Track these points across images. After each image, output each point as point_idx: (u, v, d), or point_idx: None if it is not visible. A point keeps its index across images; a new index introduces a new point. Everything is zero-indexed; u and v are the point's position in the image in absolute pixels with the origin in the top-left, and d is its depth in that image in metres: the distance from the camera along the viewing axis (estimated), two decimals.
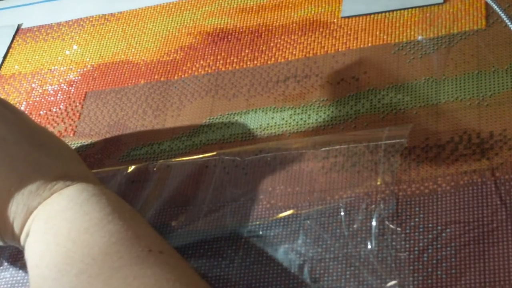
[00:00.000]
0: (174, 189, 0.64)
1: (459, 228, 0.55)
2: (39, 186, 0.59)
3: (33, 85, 0.78)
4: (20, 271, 0.64)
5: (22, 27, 0.84)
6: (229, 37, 0.74)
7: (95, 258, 0.53)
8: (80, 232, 0.55)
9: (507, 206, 0.55)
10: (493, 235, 0.54)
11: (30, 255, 0.57)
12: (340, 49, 0.69)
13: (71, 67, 0.78)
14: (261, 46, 0.72)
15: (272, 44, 0.72)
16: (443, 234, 0.55)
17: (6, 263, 0.64)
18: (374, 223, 0.57)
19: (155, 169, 0.66)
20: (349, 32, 0.70)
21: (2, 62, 0.81)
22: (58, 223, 0.56)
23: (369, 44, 0.69)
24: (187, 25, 0.77)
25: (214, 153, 0.65)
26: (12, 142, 0.60)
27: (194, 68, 0.73)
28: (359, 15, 0.71)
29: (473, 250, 0.54)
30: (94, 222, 0.55)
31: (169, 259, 0.54)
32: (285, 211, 0.60)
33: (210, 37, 0.75)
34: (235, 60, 0.72)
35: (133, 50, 0.77)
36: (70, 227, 0.55)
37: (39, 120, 0.74)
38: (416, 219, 0.57)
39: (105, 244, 0.53)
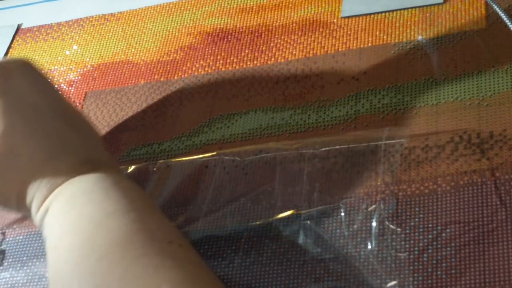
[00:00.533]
0: (174, 189, 0.64)
1: (459, 228, 0.55)
2: (66, 165, 0.59)
3: None
4: (20, 271, 0.64)
5: (22, 27, 0.84)
6: (229, 37, 0.74)
7: (117, 244, 0.53)
8: (103, 216, 0.54)
9: (507, 206, 0.55)
10: (493, 235, 0.54)
11: (49, 235, 0.56)
12: (340, 49, 0.69)
13: (71, 67, 0.78)
14: (261, 46, 0.72)
15: (272, 44, 0.72)
16: (443, 234, 0.55)
17: (6, 263, 0.65)
18: (374, 223, 0.57)
19: (155, 169, 0.66)
20: (349, 32, 0.70)
21: None
22: (81, 204, 0.56)
23: (369, 44, 0.69)
24: (187, 25, 0.77)
25: (214, 153, 0.65)
26: (49, 116, 0.60)
27: (194, 68, 0.73)
28: (359, 15, 0.71)
29: (473, 250, 0.54)
30: (117, 208, 0.55)
31: (188, 253, 0.54)
32: (285, 211, 0.60)
33: (210, 37, 0.75)
34: (235, 60, 0.72)
35: (133, 50, 0.77)
36: (93, 210, 0.55)
37: None
38: (416, 219, 0.57)
39: (127, 231, 0.53)
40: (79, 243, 0.54)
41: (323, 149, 0.62)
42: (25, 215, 0.61)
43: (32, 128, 0.60)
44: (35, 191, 0.59)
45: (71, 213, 0.56)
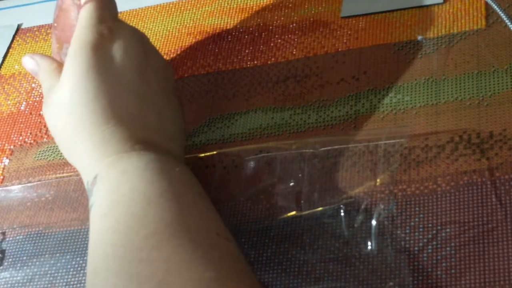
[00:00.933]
0: None
1: (459, 228, 0.55)
2: (127, 136, 0.59)
3: (33, 85, 0.78)
4: (20, 271, 0.64)
5: (22, 27, 0.84)
6: (229, 37, 0.74)
7: (168, 224, 0.53)
8: (156, 194, 0.54)
9: (507, 206, 0.55)
10: (493, 235, 0.54)
11: (98, 202, 0.56)
12: (340, 49, 0.69)
13: None
14: (261, 46, 0.72)
15: (272, 44, 0.72)
16: (443, 234, 0.55)
17: (6, 263, 0.65)
18: (374, 223, 0.57)
19: None
20: (349, 32, 0.70)
21: (2, 62, 0.81)
22: (135, 178, 0.56)
23: (369, 44, 0.69)
24: (187, 25, 0.77)
25: (214, 152, 0.65)
26: (149, 90, 0.62)
27: (194, 68, 0.73)
28: (359, 15, 0.71)
29: (472, 250, 0.54)
30: (170, 190, 0.55)
31: (234, 248, 0.54)
32: (285, 211, 0.60)
33: (210, 37, 0.75)
34: (235, 60, 0.72)
35: None
36: (146, 185, 0.55)
37: (39, 119, 0.74)
38: (416, 219, 0.57)
39: (179, 214, 0.53)
40: (129, 215, 0.54)
41: (323, 149, 0.62)
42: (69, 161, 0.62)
43: (121, 88, 0.61)
44: (85, 147, 0.59)
45: (123, 186, 0.56)
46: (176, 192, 0.55)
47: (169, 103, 0.63)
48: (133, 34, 0.64)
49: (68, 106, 0.60)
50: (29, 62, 0.67)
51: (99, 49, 0.61)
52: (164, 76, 0.64)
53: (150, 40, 0.76)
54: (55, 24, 0.68)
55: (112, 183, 0.57)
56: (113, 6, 0.66)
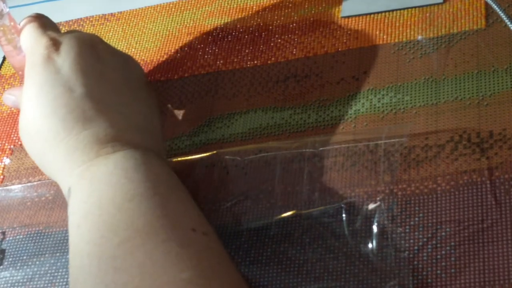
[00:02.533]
0: None
1: (459, 227, 0.55)
2: (89, 144, 0.59)
3: None
4: (20, 270, 0.64)
5: None
6: (229, 37, 0.74)
7: (139, 229, 0.52)
8: (125, 200, 0.54)
9: (507, 205, 0.55)
10: (492, 234, 0.54)
11: (72, 212, 0.56)
12: (340, 49, 0.69)
13: None
14: (261, 46, 0.72)
15: (272, 44, 0.72)
16: (443, 233, 0.55)
17: (6, 263, 0.65)
18: (374, 222, 0.57)
19: None
20: (349, 32, 0.70)
21: (2, 62, 0.81)
22: (103, 186, 0.56)
23: (369, 44, 0.69)
24: (187, 25, 0.77)
25: (214, 152, 0.65)
26: (107, 90, 0.62)
27: (194, 68, 0.73)
28: (359, 15, 0.71)
29: (472, 249, 0.54)
30: (139, 192, 0.55)
31: (212, 242, 0.54)
32: (286, 211, 0.60)
33: (210, 37, 0.75)
34: (235, 60, 0.72)
35: (133, 50, 0.77)
36: (114, 192, 0.55)
37: None
38: (416, 219, 0.57)
39: (150, 216, 0.53)
40: (100, 225, 0.54)
41: (323, 148, 0.62)
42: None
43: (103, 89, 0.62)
44: (58, 158, 0.59)
45: (92, 195, 0.56)
46: (145, 192, 0.55)
47: (135, 97, 0.63)
48: (79, 39, 0.64)
49: (33, 125, 0.61)
50: (8, 99, 0.68)
51: (47, 64, 0.62)
52: (124, 72, 0.64)
53: (150, 40, 0.76)
54: (17, 70, 0.69)
55: (83, 194, 0.57)
56: (51, 21, 0.67)
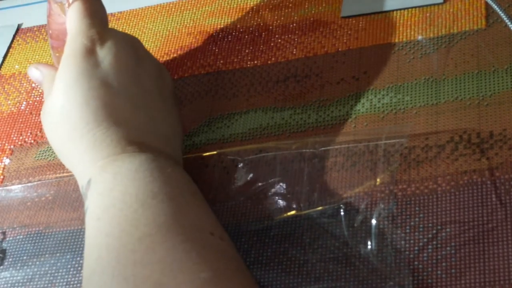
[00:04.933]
0: None
1: (459, 227, 0.55)
2: (117, 137, 0.59)
3: (33, 85, 0.78)
4: (20, 270, 0.64)
5: (22, 27, 0.84)
6: (229, 37, 0.74)
7: (160, 225, 0.53)
8: (149, 196, 0.54)
9: (507, 205, 0.55)
10: (493, 235, 0.54)
11: (92, 206, 0.56)
12: (340, 49, 0.69)
13: None
14: (261, 46, 0.72)
15: (272, 44, 0.72)
16: (443, 234, 0.55)
17: (6, 263, 0.65)
18: (374, 223, 0.57)
19: None
20: (349, 32, 0.70)
21: (2, 62, 0.81)
22: (127, 181, 0.56)
23: (369, 44, 0.69)
24: (187, 25, 0.77)
25: (214, 152, 0.65)
26: (141, 93, 0.62)
27: (194, 68, 0.73)
28: (359, 15, 0.71)
29: (472, 249, 0.54)
30: (163, 191, 0.55)
31: (228, 248, 0.54)
32: (285, 211, 0.60)
33: (210, 37, 0.75)
34: (235, 60, 0.72)
35: None
36: (138, 188, 0.55)
37: (39, 119, 0.74)
38: (416, 219, 0.57)
39: (171, 215, 0.54)
40: (122, 219, 0.54)
41: (323, 149, 0.62)
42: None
43: (117, 91, 0.61)
44: (79, 150, 0.60)
45: (116, 189, 0.56)
46: (169, 193, 0.55)
47: (164, 106, 0.64)
48: (123, 39, 0.65)
49: (60, 112, 0.61)
50: (34, 72, 0.68)
51: (89, 55, 0.62)
52: (157, 79, 0.65)
53: (150, 40, 0.76)
54: (50, 32, 0.68)
55: (105, 187, 0.57)
56: (102, 12, 0.67)
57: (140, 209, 0.54)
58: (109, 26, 0.77)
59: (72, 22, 0.65)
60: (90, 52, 0.63)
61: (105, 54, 0.63)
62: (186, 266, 0.51)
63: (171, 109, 0.65)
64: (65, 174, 0.69)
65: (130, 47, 0.64)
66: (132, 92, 0.62)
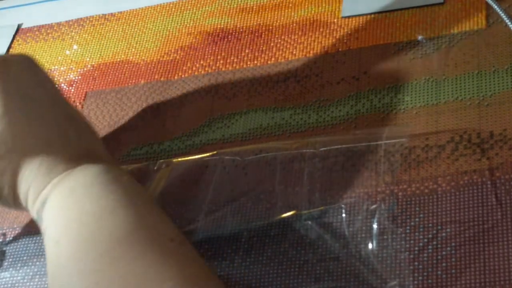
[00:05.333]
0: (174, 189, 0.64)
1: (459, 227, 0.55)
2: (65, 154, 0.58)
3: None
4: (20, 271, 0.64)
5: (22, 27, 0.84)
6: (229, 37, 0.74)
7: (119, 240, 0.52)
8: (106, 212, 0.54)
9: (507, 206, 0.55)
10: (493, 235, 0.54)
11: (49, 229, 0.56)
12: (340, 49, 0.69)
13: (71, 67, 0.78)
14: (261, 46, 0.72)
15: (272, 44, 0.72)
16: (443, 234, 0.55)
17: (6, 263, 0.65)
18: (374, 223, 0.57)
19: (155, 168, 0.66)
20: (349, 32, 0.70)
21: None
22: (83, 198, 0.55)
23: (369, 44, 0.69)
24: (187, 25, 0.77)
25: (214, 152, 0.65)
26: (47, 107, 0.60)
27: (194, 68, 0.73)
28: (359, 15, 0.71)
29: (473, 249, 0.54)
30: (120, 204, 0.55)
31: (189, 252, 0.54)
32: (286, 211, 0.60)
33: (210, 37, 0.75)
34: (235, 60, 0.72)
35: (133, 50, 0.77)
36: (94, 205, 0.55)
37: None
38: (416, 219, 0.57)
39: (130, 228, 0.53)
40: (80, 239, 0.53)
41: (323, 149, 0.62)
42: (19, 208, 0.60)
43: (29, 116, 0.59)
44: (31, 181, 0.58)
45: (72, 208, 0.55)
46: (126, 204, 0.55)
47: (78, 112, 0.63)
48: (22, 58, 0.63)
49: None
50: None
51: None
52: (58, 89, 0.63)
53: (150, 40, 0.76)
54: None
55: (62, 206, 0.56)
56: None
57: (97, 226, 0.53)
58: (109, 26, 0.77)
59: None
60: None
61: (14, 80, 0.60)
62: (149, 277, 0.50)
63: (81, 114, 0.64)
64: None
65: (29, 67, 0.62)
66: (53, 105, 0.61)
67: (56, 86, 0.64)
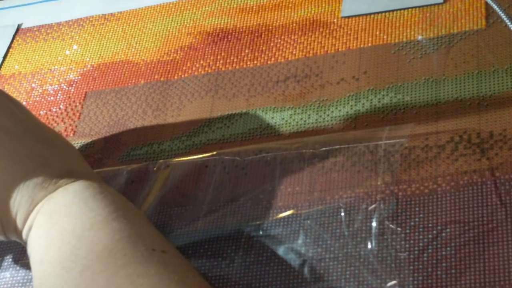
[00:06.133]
0: (174, 189, 0.64)
1: (459, 228, 0.55)
2: (44, 180, 0.59)
3: (33, 85, 0.78)
4: (20, 271, 0.64)
5: (22, 27, 0.84)
6: (229, 37, 0.74)
7: (99, 255, 0.53)
8: (85, 229, 0.55)
9: (507, 206, 0.55)
10: (493, 235, 0.54)
11: (33, 250, 0.57)
12: (340, 49, 0.69)
13: (71, 67, 0.78)
14: (261, 46, 0.72)
15: (272, 44, 0.72)
16: (443, 234, 0.55)
17: (6, 263, 0.65)
18: (374, 223, 0.57)
19: (155, 169, 0.66)
20: (349, 32, 0.70)
21: (2, 62, 0.81)
22: (63, 218, 0.56)
23: (369, 44, 0.69)
24: (187, 25, 0.77)
25: (214, 153, 0.65)
26: (17, 135, 0.60)
27: (194, 68, 0.73)
28: (359, 15, 0.71)
29: (473, 249, 0.54)
30: (99, 219, 0.55)
31: (172, 259, 0.54)
32: (285, 211, 0.60)
33: (210, 37, 0.75)
34: (235, 60, 0.72)
35: (133, 50, 0.77)
36: (75, 223, 0.55)
37: None
38: (416, 219, 0.57)
39: (109, 241, 0.54)
40: (62, 257, 0.54)
41: (323, 149, 0.62)
42: (11, 239, 0.61)
43: (1, 148, 0.59)
44: (16, 211, 0.59)
45: (53, 228, 0.56)
46: (105, 219, 0.55)
47: (51, 130, 0.63)
48: None
49: None
50: None
51: None
52: (28, 113, 0.64)
53: (150, 40, 0.76)
54: None
55: (44, 228, 0.57)
56: None
57: (77, 244, 0.54)
58: (109, 26, 0.77)
59: None
60: None
61: None
62: None
63: (54, 131, 0.64)
64: None
65: None
66: (25, 129, 0.61)
67: (26, 110, 0.64)
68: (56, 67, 0.79)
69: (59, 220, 0.56)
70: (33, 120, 0.63)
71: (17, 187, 0.58)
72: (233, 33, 0.74)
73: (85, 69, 0.77)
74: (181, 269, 0.54)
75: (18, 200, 0.58)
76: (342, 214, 0.58)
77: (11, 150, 0.60)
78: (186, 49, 0.75)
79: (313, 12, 0.73)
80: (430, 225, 0.56)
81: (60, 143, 0.62)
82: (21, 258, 0.64)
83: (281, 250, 0.58)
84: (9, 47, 0.82)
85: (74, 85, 0.77)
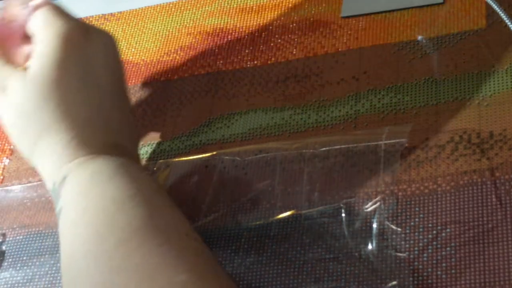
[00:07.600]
0: (174, 189, 0.64)
1: (459, 228, 0.55)
2: (99, 139, 0.59)
3: None
4: (20, 271, 0.64)
5: None
6: (229, 37, 0.74)
7: (138, 229, 0.53)
8: (125, 200, 0.54)
9: (507, 206, 0.55)
10: (493, 235, 0.54)
11: (67, 207, 0.56)
12: (340, 49, 0.69)
13: None
14: (261, 46, 0.72)
15: (272, 44, 0.72)
16: (443, 234, 0.55)
17: (6, 263, 0.65)
18: (374, 223, 0.57)
19: (155, 168, 0.66)
20: (349, 32, 0.70)
21: None
22: (104, 185, 0.56)
23: (369, 44, 0.69)
24: (187, 25, 0.77)
25: (214, 153, 0.65)
26: (105, 90, 0.61)
27: (194, 68, 0.73)
28: (359, 15, 0.71)
29: (472, 250, 0.54)
30: (139, 194, 0.55)
31: (203, 248, 0.54)
32: (285, 211, 0.60)
33: (210, 37, 0.75)
34: (235, 60, 0.72)
35: (133, 50, 0.77)
36: (115, 191, 0.55)
37: None
38: (416, 219, 0.57)
39: (148, 218, 0.53)
40: (98, 224, 0.53)
41: (323, 149, 0.62)
42: (31, 165, 0.61)
43: (85, 91, 0.59)
44: (59, 149, 0.58)
45: (92, 192, 0.55)
46: (144, 196, 0.55)
47: (129, 105, 0.64)
48: (106, 37, 0.63)
49: (34, 101, 0.59)
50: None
51: (76, 45, 0.60)
52: (123, 78, 0.64)
53: (150, 40, 0.76)
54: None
55: (82, 186, 0.56)
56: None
57: (116, 213, 0.54)
58: (109, 26, 0.77)
59: (46, 15, 0.61)
60: (76, 41, 0.60)
61: (92, 50, 0.61)
62: (164, 269, 0.51)
63: (130, 108, 0.64)
64: None
65: (111, 47, 0.63)
66: (112, 93, 0.61)
67: (123, 75, 0.64)
68: None
69: (101, 184, 0.56)
70: (122, 86, 0.63)
71: (74, 128, 0.58)
72: (233, 33, 0.74)
73: None
74: (210, 260, 0.54)
75: (67, 140, 0.58)
76: (342, 214, 0.58)
77: (90, 98, 0.59)
78: (186, 49, 0.75)
79: (313, 12, 0.73)
80: (430, 225, 0.56)
81: (129, 119, 0.62)
82: (21, 258, 0.64)
83: (281, 250, 0.58)
84: None
85: None
